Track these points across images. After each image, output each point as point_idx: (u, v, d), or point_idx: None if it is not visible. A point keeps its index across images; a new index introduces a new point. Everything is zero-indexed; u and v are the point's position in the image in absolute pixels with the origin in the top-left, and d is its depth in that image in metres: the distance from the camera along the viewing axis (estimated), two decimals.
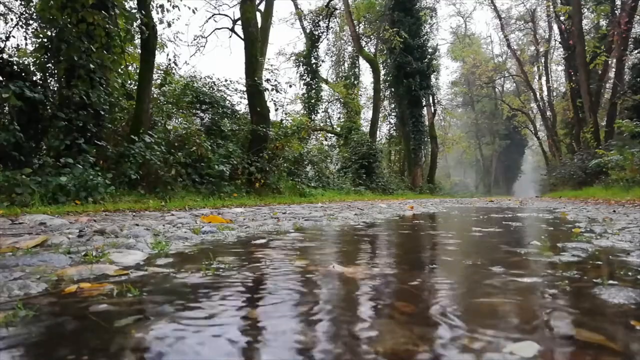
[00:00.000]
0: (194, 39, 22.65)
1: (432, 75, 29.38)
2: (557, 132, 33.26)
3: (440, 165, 42.89)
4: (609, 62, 22.05)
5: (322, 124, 28.18)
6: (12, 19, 8.84)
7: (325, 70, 31.89)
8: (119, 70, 10.23)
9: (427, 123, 29.67)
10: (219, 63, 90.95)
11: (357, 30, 26.37)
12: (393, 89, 28.30)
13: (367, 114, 31.90)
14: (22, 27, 8.77)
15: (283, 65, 30.68)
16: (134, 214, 5.39)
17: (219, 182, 10.44)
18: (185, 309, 1.07)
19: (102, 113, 8.37)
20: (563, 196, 17.30)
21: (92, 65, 7.99)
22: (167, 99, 12.81)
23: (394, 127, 31.06)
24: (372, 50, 28.72)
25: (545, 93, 36.12)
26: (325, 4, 27.23)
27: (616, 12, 21.29)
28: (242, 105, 15.43)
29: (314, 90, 27.15)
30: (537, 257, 1.91)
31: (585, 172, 19.02)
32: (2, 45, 8.11)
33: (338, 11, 27.96)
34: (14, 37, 8.65)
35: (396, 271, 1.63)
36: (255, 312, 1.06)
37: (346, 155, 22.63)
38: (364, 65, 30.35)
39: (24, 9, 8.87)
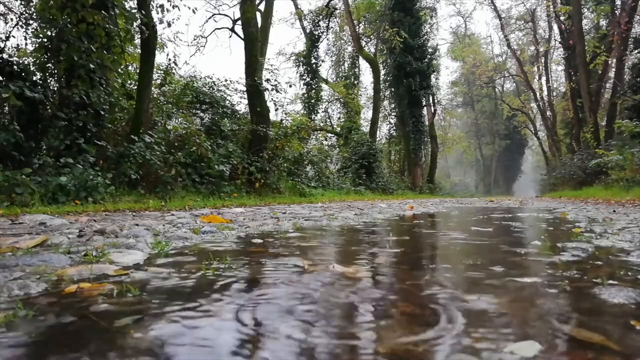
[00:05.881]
0: (194, 39, 22.67)
1: (432, 75, 29.41)
2: (557, 132, 33.31)
3: (440, 165, 42.90)
4: (609, 62, 22.05)
5: (322, 124, 28.18)
6: (12, 19, 8.84)
7: (325, 70, 31.96)
8: (119, 70, 10.22)
9: (427, 123, 29.68)
10: (219, 63, 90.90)
11: (357, 30, 26.36)
12: (393, 89, 28.31)
13: (367, 114, 31.94)
14: (22, 27, 8.77)
15: (283, 65, 30.78)
16: (134, 214, 5.38)
17: (219, 182, 10.44)
18: (185, 308, 1.07)
19: (102, 113, 8.37)
20: (563, 196, 17.30)
21: (92, 65, 7.99)
22: (167, 99, 12.81)
23: (394, 127, 31.08)
24: (372, 50, 28.73)
25: (545, 93, 36.21)
26: (325, 4, 27.23)
27: (616, 12, 21.29)
28: (242, 105, 15.45)
29: (314, 90, 27.15)
30: (537, 257, 1.91)
31: (585, 172, 19.03)
32: (2, 45, 8.11)
33: (338, 11, 27.95)
34: (14, 37, 8.65)
35: (396, 271, 1.63)
36: (255, 312, 1.06)
37: (346, 155, 22.62)
38: (364, 65, 30.41)
39: (24, 9, 8.86)
